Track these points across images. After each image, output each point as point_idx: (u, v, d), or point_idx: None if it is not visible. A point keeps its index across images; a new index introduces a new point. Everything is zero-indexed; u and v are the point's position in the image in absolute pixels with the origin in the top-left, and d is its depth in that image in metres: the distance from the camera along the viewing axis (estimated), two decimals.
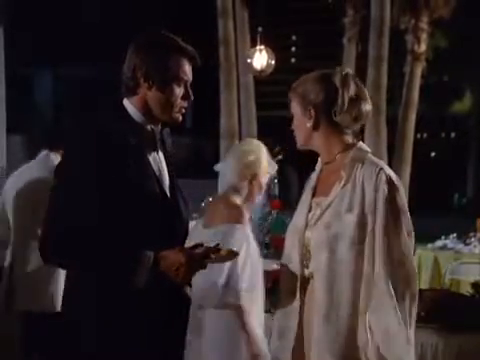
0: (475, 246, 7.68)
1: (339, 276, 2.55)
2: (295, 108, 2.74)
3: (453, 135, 28.34)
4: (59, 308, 2.76)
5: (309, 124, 2.68)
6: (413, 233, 2.62)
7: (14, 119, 9.56)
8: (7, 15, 8.09)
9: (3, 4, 8.00)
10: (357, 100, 2.67)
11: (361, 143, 2.72)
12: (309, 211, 2.68)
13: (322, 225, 2.60)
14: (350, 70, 2.75)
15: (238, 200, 3.43)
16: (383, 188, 2.55)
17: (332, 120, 2.67)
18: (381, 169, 2.60)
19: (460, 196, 24.76)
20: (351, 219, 2.55)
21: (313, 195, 2.72)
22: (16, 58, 11.98)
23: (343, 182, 2.61)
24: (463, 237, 7.98)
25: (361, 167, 2.62)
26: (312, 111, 2.67)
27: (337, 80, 2.67)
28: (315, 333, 2.58)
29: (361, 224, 2.55)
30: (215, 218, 3.38)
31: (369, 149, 2.73)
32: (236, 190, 3.48)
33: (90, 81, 20.95)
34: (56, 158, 4.08)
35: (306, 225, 2.66)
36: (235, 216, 3.33)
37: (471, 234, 7.98)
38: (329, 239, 2.56)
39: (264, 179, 3.56)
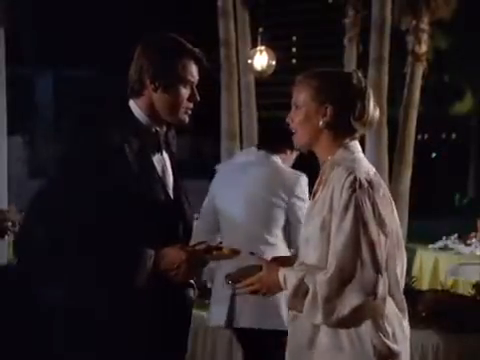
0: (476, 247, 7.68)
1: None
2: (305, 101, 2.54)
3: (454, 136, 28.33)
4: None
5: (321, 122, 2.51)
6: (377, 242, 2.38)
7: (14, 120, 9.56)
8: (8, 15, 8.09)
9: (3, 4, 8.00)
10: (374, 107, 2.55)
11: (349, 144, 2.54)
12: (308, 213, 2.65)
13: (304, 228, 2.60)
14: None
15: None
16: (346, 192, 2.39)
17: (347, 123, 2.52)
18: (351, 172, 2.42)
19: (461, 196, 24.73)
20: (317, 223, 2.46)
21: (313, 197, 2.69)
22: (16, 59, 11.97)
23: (321, 185, 2.54)
24: (464, 238, 7.98)
25: (336, 170, 2.47)
26: (329, 108, 2.50)
27: (360, 82, 2.53)
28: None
29: (324, 228, 2.44)
30: None
31: (358, 149, 2.56)
32: None
33: (90, 82, 20.97)
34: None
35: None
36: None
37: (472, 235, 7.99)
38: (303, 242, 2.56)
39: None
